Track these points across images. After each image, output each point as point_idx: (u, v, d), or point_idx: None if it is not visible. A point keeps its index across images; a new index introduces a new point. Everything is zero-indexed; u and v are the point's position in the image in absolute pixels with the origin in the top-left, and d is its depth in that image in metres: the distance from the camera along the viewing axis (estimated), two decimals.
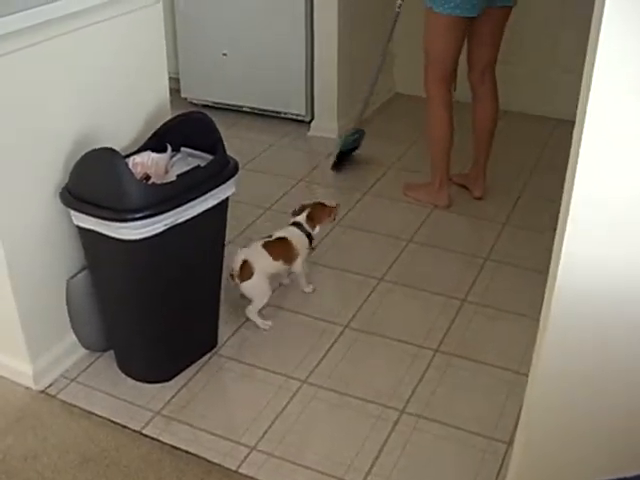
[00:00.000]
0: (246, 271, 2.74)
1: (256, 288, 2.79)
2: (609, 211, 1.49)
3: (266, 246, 2.82)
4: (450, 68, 3.41)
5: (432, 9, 3.24)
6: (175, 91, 2.90)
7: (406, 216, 3.59)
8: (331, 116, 4.35)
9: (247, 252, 2.78)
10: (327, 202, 3.09)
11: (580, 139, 1.43)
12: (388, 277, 3.15)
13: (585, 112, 1.40)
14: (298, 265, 2.94)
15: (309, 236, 2.96)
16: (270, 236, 2.89)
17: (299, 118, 4.51)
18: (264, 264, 2.79)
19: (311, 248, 3.00)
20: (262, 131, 4.47)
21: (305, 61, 4.31)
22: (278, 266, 2.86)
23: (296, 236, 2.92)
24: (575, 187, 1.48)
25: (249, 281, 2.75)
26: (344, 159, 4.06)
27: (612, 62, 1.35)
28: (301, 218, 2.97)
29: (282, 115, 4.56)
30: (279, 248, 2.85)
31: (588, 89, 1.39)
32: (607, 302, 1.58)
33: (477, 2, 3.17)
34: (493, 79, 3.52)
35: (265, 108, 4.58)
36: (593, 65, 1.36)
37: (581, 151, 1.44)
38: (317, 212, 3.01)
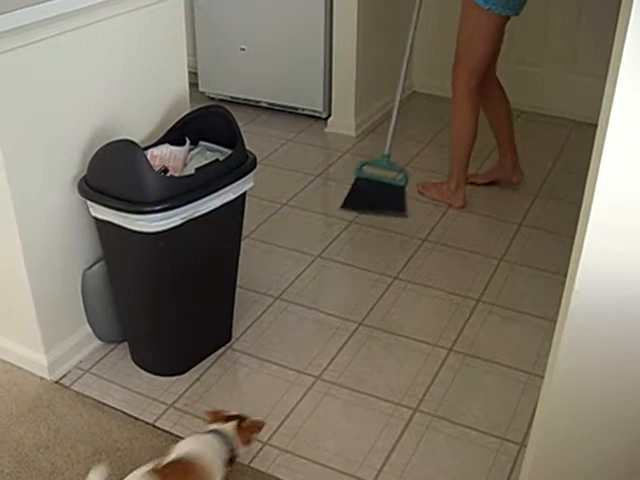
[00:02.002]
0: None
1: None
2: (630, 214, 1.48)
3: (154, 475, 1.90)
4: (484, 69, 3.36)
5: (479, 5, 3.14)
6: (193, 85, 2.89)
7: (421, 215, 3.58)
8: (348, 113, 4.34)
9: None
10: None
11: (602, 143, 1.43)
12: (402, 275, 3.15)
13: (608, 116, 1.40)
14: None
15: (232, 453, 2.08)
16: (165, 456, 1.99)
17: (316, 114, 4.51)
18: None
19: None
20: (279, 127, 4.47)
21: (324, 57, 4.30)
22: None
23: (209, 454, 2.00)
24: (596, 190, 1.47)
25: None
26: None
27: (637, 66, 1.34)
28: (228, 426, 2.11)
29: (299, 111, 4.56)
30: (176, 476, 1.93)
31: (612, 93, 1.38)
32: (625, 305, 1.57)
33: (521, 1, 3.16)
34: (495, 72, 3.54)
35: (282, 104, 4.58)
36: (618, 69, 1.35)
37: (603, 154, 1.43)
38: (251, 425, 2.17)
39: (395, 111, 3.60)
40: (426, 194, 3.72)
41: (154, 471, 1.91)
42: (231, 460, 2.08)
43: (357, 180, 3.61)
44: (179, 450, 2.00)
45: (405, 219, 3.54)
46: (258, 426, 2.19)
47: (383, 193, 3.59)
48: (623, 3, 1.35)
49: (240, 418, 2.16)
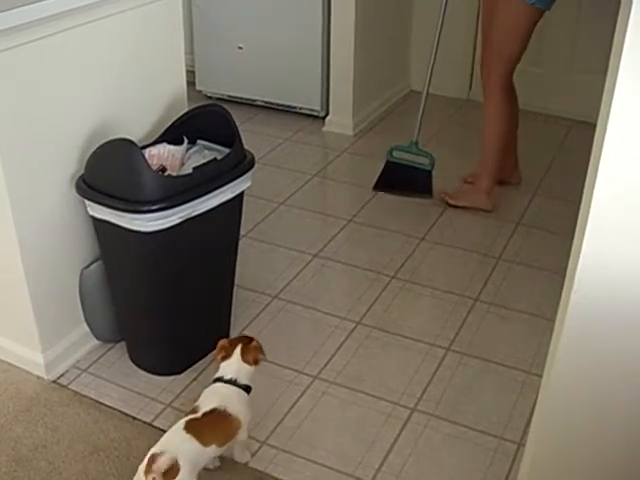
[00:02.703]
0: (171, 470, 1.93)
1: None
2: (630, 213, 1.48)
3: (191, 428, 2.05)
4: (516, 66, 3.34)
5: (525, 1, 3.10)
6: (190, 84, 2.89)
7: (419, 214, 3.58)
8: (346, 112, 4.33)
9: (167, 444, 2.01)
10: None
11: (602, 141, 1.42)
12: (400, 275, 3.14)
13: (608, 113, 1.39)
14: (243, 434, 2.20)
15: (247, 389, 2.23)
16: (195, 410, 2.14)
17: (314, 113, 4.50)
18: (193, 456, 2.01)
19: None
20: (276, 126, 4.46)
21: (321, 56, 4.29)
22: (212, 452, 2.11)
23: (232, 401, 2.17)
24: (595, 189, 1.46)
25: None
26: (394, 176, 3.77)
27: (637, 64, 1.34)
28: (233, 368, 2.21)
29: (297, 110, 4.55)
30: (210, 427, 2.10)
31: (612, 91, 1.38)
32: (624, 304, 1.57)
33: None
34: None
35: (280, 103, 4.57)
36: (618, 67, 1.35)
37: (603, 151, 1.43)
38: (251, 349, 2.25)
39: (423, 100, 3.67)
40: (459, 204, 3.60)
41: (191, 424, 2.06)
42: (247, 392, 2.22)
43: (388, 163, 3.75)
44: (202, 404, 2.14)
45: (403, 217, 3.54)
46: (258, 349, 2.26)
47: (412, 176, 3.71)
48: (623, 2, 1.35)
49: (244, 342, 2.25)
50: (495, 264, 3.23)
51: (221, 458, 2.25)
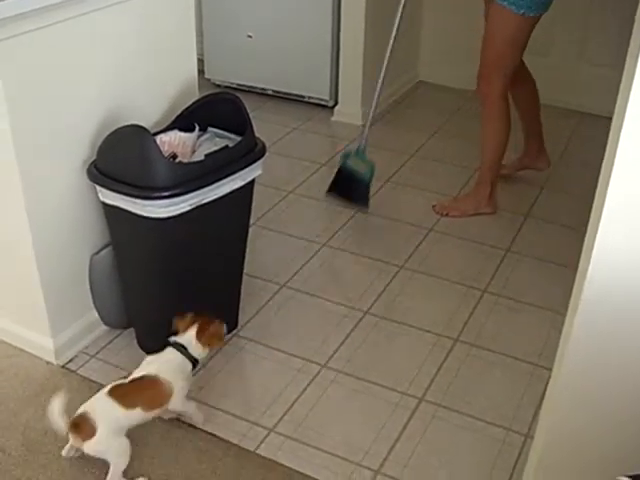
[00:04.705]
0: (85, 427, 2.10)
1: (104, 447, 2.14)
2: None
3: (114, 392, 2.17)
4: (513, 72, 3.29)
5: (512, 11, 3.06)
6: (199, 72, 2.88)
7: (427, 204, 3.57)
8: (355, 102, 4.33)
9: (89, 406, 2.15)
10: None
11: (618, 134, 1.42)
12: (409, 265, 3.15)
13: (626, 105, 1.39)
14: (177, 403, 2.27)
15: (194, 362, 2.31)
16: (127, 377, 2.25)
17: (323, 103, 4.50)
18: (112, 418, 2.14)
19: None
20: (285, 115, 4.46)
21: (331, 45, 4.29)
22: (137, 415, 2.19)
23: (169, 368, 2.25)
24: (611, 182, 1.47)
25: (92, 440, 2.11)
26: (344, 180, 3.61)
27: None
28: (186, 337, 2.31)
29: (306, 99, 4.55)
30: (135, 392, 2.20)
31: (630, 84, 1.38)
32: (638, 296, 1.57)
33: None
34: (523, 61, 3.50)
35: (289, 92, 4.57)
36: (637, 60, 1.35)
37: (619, 145, 1.43)
38: (212, 328, 2.34)
39: (372, 109, 3.55)
40: (455, 214, 3.51)
41: (116, 388, 2.18)
42: (194, 366, 2.30)
43: (339, 168, 3.59)
44: (140, 370, 2.25)
45: (412, 207, 3.54)
46: (218, 335, 2.37)
47: (354, 186, 3.55)
48: None
49: (202, 322, 2.32)
50: (503, 256, 3.23)
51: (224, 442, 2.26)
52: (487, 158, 3.46)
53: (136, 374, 2.23)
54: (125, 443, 2.15)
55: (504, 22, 3.15)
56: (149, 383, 2.21)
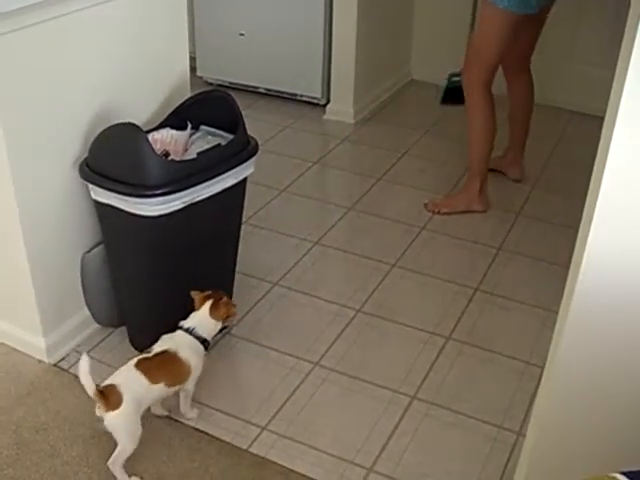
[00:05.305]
0: (113, 397, 2.10)
1: (125, 423, 2.14)
2: (637, 204, 1.48)
3: (141, 365, 2.19)
4: (498, 66, 3.31)
5: (495, 5, 3.08)
6: (191, 70, 2.88)
7: (419, 203, 3.57)
8: (347, 100, 4.33)
9: (116, 378, 2.16)
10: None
11: (611, 132, 1.43)
12: (401, 263, 3.15)
13: (618, 104, 1.40)
14: (192, 382, 2.32)
15: (204, 342, 2.33)
16: (149, 351, 2.26)
17: (315, 101, 4.50)
18: (139, 391, 2.16)
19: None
20: (277, 113, 4.46)
21: (323, 44, 4.29)
22: (159, 391, 2.23)
23: (185, 347, 2.28)
24: (603, 179, 1.47)
25: (116, 411, 2.11)
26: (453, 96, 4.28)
27: None
28: (195, 320, 2.34)
29: (298, 97, 4.55)
30: (159, 366, 2.23)
31: (623, 81, 1.38)
32: (630, 294, 1.57)
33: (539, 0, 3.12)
34: (529, 67, 3.52)
35: (281, 90, 4.57)
36: (628, 60, 1.35)
37: (612, 144, 1.44)
38: (222, 304, 2.37)
39: None
40: (446, 210, 3.52)
41: (142, 362, 2.19)
42: (205, 347, 2.33)
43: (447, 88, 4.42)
44: (157, 347, 2.26)
45: (404, 206, 3.54)
46: (230, 313, 2.39)
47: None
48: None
49: (216, 298, 2.35)
50: (495, 254, 3.24)
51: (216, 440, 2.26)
52: (471, 149, 3.48)
53: (158, 348, 2.25)
54: (139, 429, 2.15)
55: (487, 16, 3.20)
56: (171, 359, 2.24)
